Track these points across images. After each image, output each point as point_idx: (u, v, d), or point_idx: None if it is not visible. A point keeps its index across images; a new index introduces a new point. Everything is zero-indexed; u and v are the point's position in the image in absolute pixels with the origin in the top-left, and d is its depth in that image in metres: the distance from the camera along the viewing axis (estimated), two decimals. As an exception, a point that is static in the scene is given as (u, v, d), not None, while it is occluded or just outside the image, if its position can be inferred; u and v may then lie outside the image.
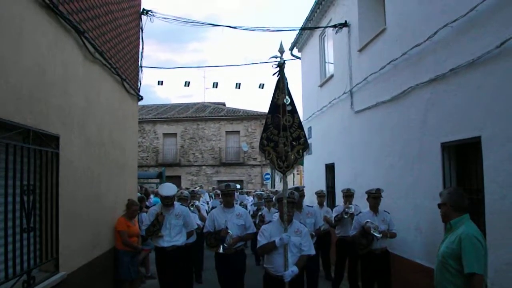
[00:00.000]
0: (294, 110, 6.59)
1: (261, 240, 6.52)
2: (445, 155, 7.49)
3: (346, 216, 10.00)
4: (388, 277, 8.40)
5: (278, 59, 6.65)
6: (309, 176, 17.33)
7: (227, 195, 8.08)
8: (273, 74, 6.66)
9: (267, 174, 37.03)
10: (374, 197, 8.61)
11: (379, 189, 8.65)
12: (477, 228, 4.55)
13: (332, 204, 13.21)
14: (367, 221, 8.25)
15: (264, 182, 36.64)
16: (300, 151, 6.52)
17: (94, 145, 7.65)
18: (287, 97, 6.53)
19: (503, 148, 5.86)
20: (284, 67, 6.66)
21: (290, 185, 28.87)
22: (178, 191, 9.23)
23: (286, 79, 6.67)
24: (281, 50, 6.73)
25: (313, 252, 6.62)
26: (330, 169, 14.49)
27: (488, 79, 6.25)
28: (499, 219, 5.91)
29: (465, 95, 6.82)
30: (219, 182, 36.04)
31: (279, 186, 31.38)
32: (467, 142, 6.86)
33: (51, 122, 5.81)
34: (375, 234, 8.14)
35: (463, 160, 7.34)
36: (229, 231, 7.61)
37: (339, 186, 13.13)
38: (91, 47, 7.39)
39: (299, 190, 8.82)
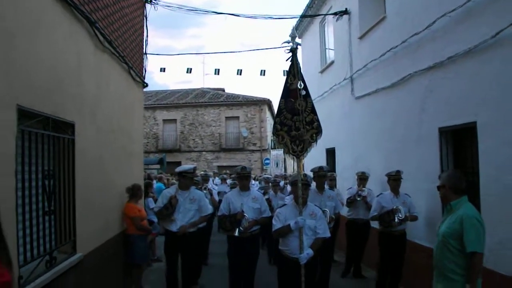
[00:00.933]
0: (307, 95, 6.65)
1: (276, 224, 6.60)
2: (442, 139, 7.82)
3: (359, 199, 10.14)
4: (401, 259, 8.58)
5: (291, 44, 6.72)
6: (310, 160, 17.60)
7: (243, 178, 8.10)
8: (286, 60, 6.73)
9: (267, 159, 37.32)
10: (394, 179, 8.72)
11: (399, 171, 8.75)
12: (476, 209, 4.80)
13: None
14: (399, 207, 8.31)
15: (264, 167, 36.90)
16: (314, 135, 6.55)
17: (104, 132, 7.89)
18: (300, 82, 6.58)
19: (498, 133, 6.18)
20: (296, 52, 6.75)
21: (290, 170, 29.07)
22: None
23: (299, 64, 6.79)
24: (293, 35, 6.83)
25: (328, 234, 6.69)
26: (330, 153, 14.81)
27: (484, 67, 6.56)
28: (493, 200, 6.25)
29: (462, 82, 7.13)
30: (219, 167, 36.34)
31: (276, 171, 31.62)
32: (463, 127, 7.18)
33: (67, 110, 6.06)
34: (396, 217, 8.25)
35: (459, 145, 7.66)
36: (245, 214, 7.65)
37: (340, 170, 13.47)
38: (101, 36, 7.61)
39: (323, 170, 8.97)
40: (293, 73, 6.66)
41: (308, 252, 6.26)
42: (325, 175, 9.15)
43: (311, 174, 8.44)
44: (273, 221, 6.72)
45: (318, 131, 6.59)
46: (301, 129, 6.50)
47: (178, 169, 8.48)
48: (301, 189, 6.47)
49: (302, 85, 6.59)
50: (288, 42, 6.76)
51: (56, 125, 5.78)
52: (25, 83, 4.80)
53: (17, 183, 4.60)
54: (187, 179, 8.31)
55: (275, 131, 6.68)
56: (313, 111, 6.65)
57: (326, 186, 9.32)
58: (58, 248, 5.88)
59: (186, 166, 8.60)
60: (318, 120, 6.62)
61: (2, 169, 4.28)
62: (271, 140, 35.50)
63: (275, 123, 6.73)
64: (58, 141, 5.96)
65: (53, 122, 5.64)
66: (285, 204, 7.14)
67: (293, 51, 6.72)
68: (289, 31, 6.93)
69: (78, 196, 6.39)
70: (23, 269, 4.73)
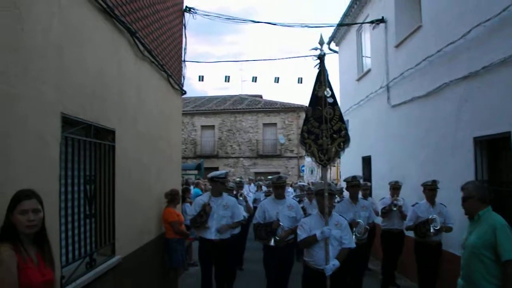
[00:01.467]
0: (335, 103, 6.49)
1: (301, 234, 6.47)
2: (477, 149, 7.79)
3: (395, 209, 9.94)
4: (437, 268, 8.51)
5: (318, 51, 6.58)
6: (346, 169, 17.62)
7: (278, 187, 8.01)
8: (314, 67, 6.59)
9: (304, 166, 37.26)
10: (430, 189, 8.56)
11: (435, 181, 8.59)
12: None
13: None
14: (435, 217, 8.19)
15: (301, 174, 36.87)
16: (342, 143, 6.40)
17: (144, 138, 8.10)
18: (328, 89, 6.45)
19: (532, 143, 6.17)
20: (324, 59, 6.58)
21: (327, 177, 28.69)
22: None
23: (327, 71, 6.58)
24: (321, 42, 6.63)
25: (353, 245, 6.55)
26: (366, 161, 14.81)
27: (519, 77, 6.56)
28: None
29: (496, 92, 7.13)
30: (256, 174, 36.42)
31: (311, 178, 31.54)
32: (498, 137, 7.16)
33: (108, 118, 6.28)
34: (431, 228, 8.15)
35: (494, 154, 7.63)
36: (280, 223, 7.56)
37: (376, 179, 13.47)
38: (141, 46, 7.82)
39: (356, 180, 8.79)
40: (321, 80, 6.52)
41: (334, 263, 6.13)
42: (359, 185, 9.02)
43: (344, 184, 8.39)
44: (298, 231, 6.62)
45: (346, 139, 6.44)
46: (324, 138, 6.38)
47: (209, 175, 8.45)
48: (327, 198, 6.31)
49: (330, 92, 6.49)
50: (316, 49, 6.61)
51: (97, 132, 6.00)
52: (69, 92, 5.02)
53: (60, 187, 4.82)
54: (218, 185, 8.23)
55: (302, 140, 6.60)
56: (341, 119, 6.52)
57: (360, 196, 9.14)
58: (98, 250, 6.08)
59: (217, 171, 8.58)
60: (346, 129, 6.52)
61: (47, 174, 4.50)
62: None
63: (302, 131, 6.65)
64: (99, 147, 6.17)
65: (95, 129, 5.86)
66: (310, 214, 7.03)
67: (321, 58, 6.57)
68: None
69: (117, 200, 6.59)
70: (64, 269, 4.93)
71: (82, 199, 5.71)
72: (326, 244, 6.20)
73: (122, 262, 6.66)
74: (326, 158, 6.45)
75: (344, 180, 9.09)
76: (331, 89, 6.54)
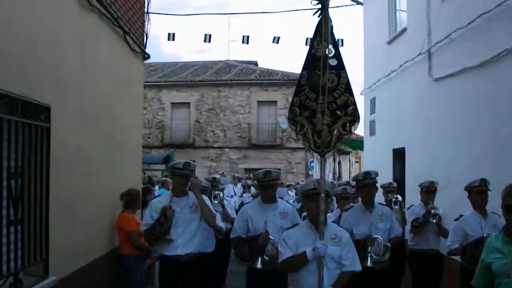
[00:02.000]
0: (340, 66, 6.11)
1: (285, 252, 6.03)
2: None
3: (434, 221, 9.45)
4: None
5: None
6: (370, 165, 17.50)
7: (266, 187, 7.60)
8: (314, 14, 6.16)
9: (313, 161, 36.88)
10: (478, 191, 8.10)
11: (485, 180, 8.10)
12: None
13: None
14: (489, 234, 7.21)
15: (310, 172, 36.54)
16: (348, 124, 6.07)
17: (90, 118, 8.16)
18: (330, 46, 6.02)
19: None
20: (328, 5, 6.09)
21: (345, 176, 28.96)
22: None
23: (331, 21, 6.10)
24: None
25: (358, 267, 6.11)
26: (399, 155, 14.88)
27: None
28: None
29: None
30: (247, 170, 36.24)
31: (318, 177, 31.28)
32: None
33: (42, 89, 6.37)
34: None
35: None
36: (270, 237, 7.14)
37: (411, 179, 13.42)
38: (88, -9, 7.86)
39: (370, 177, 8.07)
40: (322, 33, 6.05)
41: None
42: (374, 184, 8.22)
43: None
44: (280, 248, 6.19)
45: (354, 119, 6.12)
46: (318, 115, 5.99)
47: (172, 165, 8.07)
48: (324, 201, 5.90)
49: (333, 51, 6.06)
50: None
51: (26, 109, 6.07)
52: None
53: (-24, 182, 4.93)
54: (176, 179, 7.94)
55: (292, 117, 6.21)
56: (349, 89, 6.15)
57: (379, 202, 8.70)
58: (25, 268, 6.15)
59: (179, 160, 8.12)
60: (354, 103, 6.17)
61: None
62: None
63: (292, 105, 6.28)
64: (29, 129, 6.20)
65: (23, 105, 5.95)
66: (296, 224, 6.72)
67: (324, 2, 6.04)
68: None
69: (53, 201, 6.65)
70: (-20, 292, 5.07)
71: (5, 199, 5.76)
72: (320, 267, 5.78)
73: (57, 285, 6.72)
74: (324, 145, 6.09)
75: (353, 179, 8.80)
76: (336, 47, 6.19)
